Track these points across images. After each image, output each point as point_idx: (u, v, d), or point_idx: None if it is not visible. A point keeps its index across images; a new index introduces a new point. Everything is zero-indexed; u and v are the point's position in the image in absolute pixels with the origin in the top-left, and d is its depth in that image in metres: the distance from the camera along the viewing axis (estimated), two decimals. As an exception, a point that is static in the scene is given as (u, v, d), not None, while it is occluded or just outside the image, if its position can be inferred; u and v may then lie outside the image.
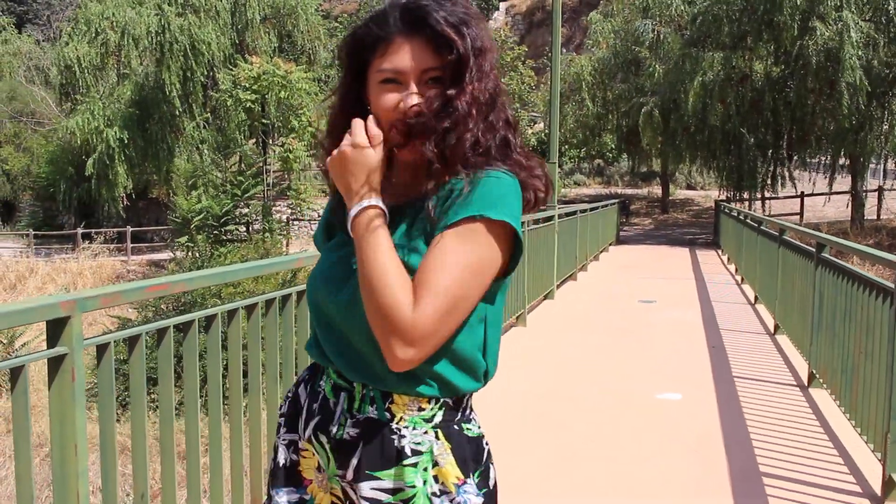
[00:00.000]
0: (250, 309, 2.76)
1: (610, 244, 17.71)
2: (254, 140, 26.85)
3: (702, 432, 4.39)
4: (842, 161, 21.41)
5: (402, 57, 1.25)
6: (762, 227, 8.92)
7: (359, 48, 1.30)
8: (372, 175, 1.25)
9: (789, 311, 6.58)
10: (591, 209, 13.68)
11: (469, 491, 1.28)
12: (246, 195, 22.16)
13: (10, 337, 11.25)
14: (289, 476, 1.41)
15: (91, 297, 1.94)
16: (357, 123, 1.27)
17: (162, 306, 10.43)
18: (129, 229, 27.35)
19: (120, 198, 28.37)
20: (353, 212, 1.24)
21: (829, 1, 18.02)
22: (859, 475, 3.70)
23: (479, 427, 1.36)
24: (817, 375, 5.17)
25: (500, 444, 4.09)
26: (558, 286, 9.79)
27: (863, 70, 17.86)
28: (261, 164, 24.18)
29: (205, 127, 28.47)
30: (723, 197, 22.86)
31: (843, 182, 22.60)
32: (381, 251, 1.20)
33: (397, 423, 1.28)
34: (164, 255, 24.58)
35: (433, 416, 1.29)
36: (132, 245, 27.33)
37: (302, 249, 21.70)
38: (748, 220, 10.75)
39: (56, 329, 1.85)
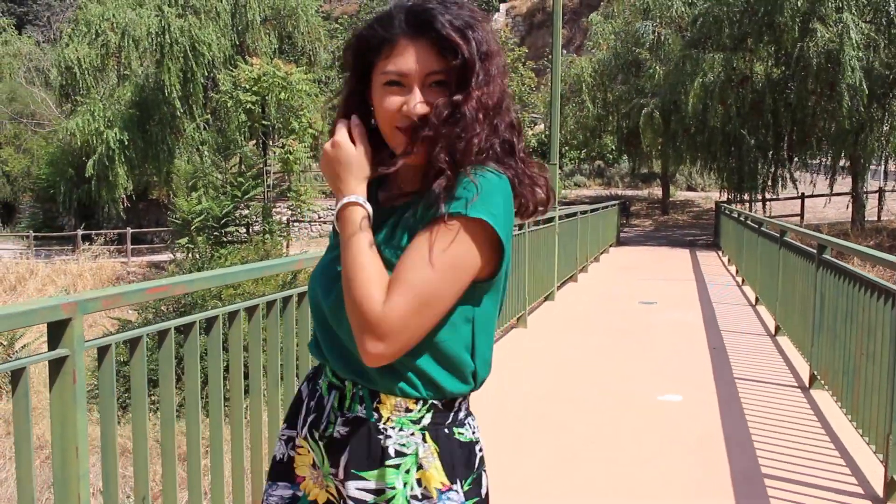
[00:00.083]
0: (251, 311, 2.76)
1: (610, 245, 17.70)
2: (254, 141, 26.89)
3: (703, 434, 4.39)
4: (842, 162, 21.40)
5: (407, 59, 1.24)
6: (763, 229, 8.92)
7: (364, 50, 1.30)
8: (355, 172, 1.28)
9: (790, 312, 6.57)
10: (592, 210, 13.67)
11: (453, 498, 1.27)
12: (246, 196, 22.16)
13: (11, 339, 11.24)
14: (284, 472, 1.42)
15: (92, 298, 1.94)
16: (339, 123, 1.31)
17: (162, 308, 10.43)
18: (130, 231, 27.36)
19: (120, 199, 28.38)
20: (336, 208, 1.28)
21: (830, 2, 18.02)
22: (861, 476, 3.69)
23: (475, 432, 1.34)
24: (818, 377, 5.16)
25: (501, 446, 4.09)
26: (559, 287, 9.79)
27: (863, 72, 17.86)
28: (261, 166, 24.20)
29: (205, 128, 28.50)
30: (723, 198, 22.85)
31: (844, 183, 22.59)
32: (357, 248, 1.22)
33: (384, 424, 1.28)
34: (165, 257, 24.59)
35: (421, 417, 1.28)
36: (132, 246, 27.35)
37: (302, 251, 21.71)
38: (749, 222, 10.75)
39: (57, 331, 1.85)
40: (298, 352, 2.99)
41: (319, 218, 28.29)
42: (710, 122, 20.16)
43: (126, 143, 27.46)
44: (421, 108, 1.23)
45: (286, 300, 2.95)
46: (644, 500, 3.54)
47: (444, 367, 1.27)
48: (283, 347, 2.91)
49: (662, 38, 22.77)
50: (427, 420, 1.29)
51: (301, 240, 26.73)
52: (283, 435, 1.44)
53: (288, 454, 1.42)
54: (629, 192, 33.68)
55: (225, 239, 21.19)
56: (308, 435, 1.36)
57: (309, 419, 1.37)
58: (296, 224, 26.97)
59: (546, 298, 9.16)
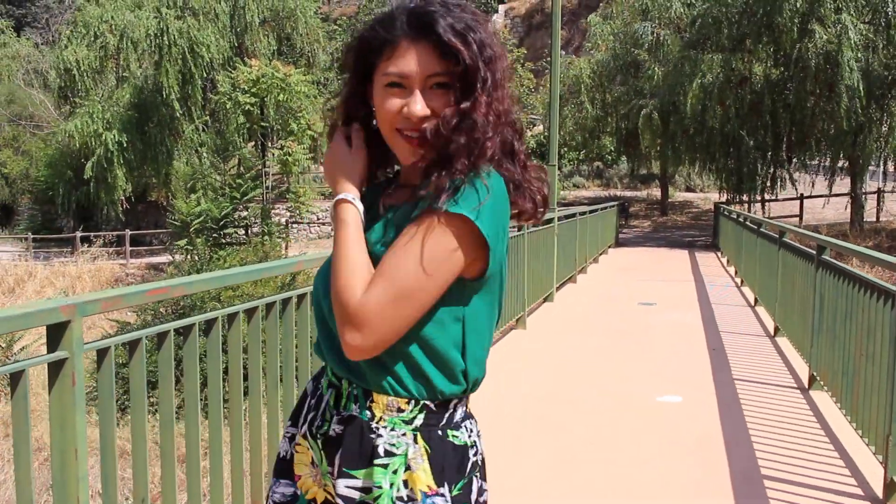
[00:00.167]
0: (250, 312, 2.75)
1: (609, 246, 17.71)
2: (253, 143, 26.87)
3: (702, 434, 4.39)
4: (841, 163, 21.41)
5: (408, 61, 1.25)
6: (762, 230, 8.93)
7: (365, 51, 1.31)
8: (348, 173, 1.33)
9: (789, 313, 6.57)
10: (591, 211, 13.68)
11: (438, 503, 1.26)
12: (245, 198, 22.15)
13: (9, 341, 11.24)
14: (287, 469, 1.43)
15: (91, 301, 1.93)
16: (339, 130, 1.38)
17: (161, 309, 10.42)
18: (128, 232, 27.36)
19: (119, 201, 28.37)
20: (330, 205, 1.33)
21: (829, 3, 18.03)
22: (860, 477, 3.69)
23: (471, 436, 1.34)
24: (818, 378, 5.16)
25: (499, 447, 4.09)
26: (558, 289, 9.79)
27: (861, 72, 17.87)
28: (260, 167, 24.17)
29: (204, 130, 28.47)
30: (722, 199, 22.86)
31: (843, 184, 22.61)
32: (343, 241, 1.26)
33: (377, 423, 1.28)
34: (163, 259, 24.58)
35: (413, 418, 1.28)
36: (131, 248, 27.34)
37: (301, 252, 21.71)
38: (748, 223, 10.76)
39: (56, 333, 1.85)
40: (297, 353, 2.99)
41: (318, 219, 28.30)
42: (708, 122, 20.17)
43: (125, 144, 27.45)
44: (421, 110, 1.24)
45: (285, 302, 2.95)
46: (643, 500, 3.54)
47: (434, 364, 1.27)
48: (283, 349, 2.91)
49: (661, 39, 22.77)
50: (419, 421, 1.28)
51: (300, 241, 26.74)
52: (287, 432, 1.45)
53: (290, 451, 1.43)
54: (628, 193, 33.70)
55: (224, 241, 21.17)
56: (307, 433, 1.37)
57: (308, 417, 1.38)
58: (294, 225, 26.97)
59: (545, 299, 9.16)
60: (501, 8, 49.55)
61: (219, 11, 28.49)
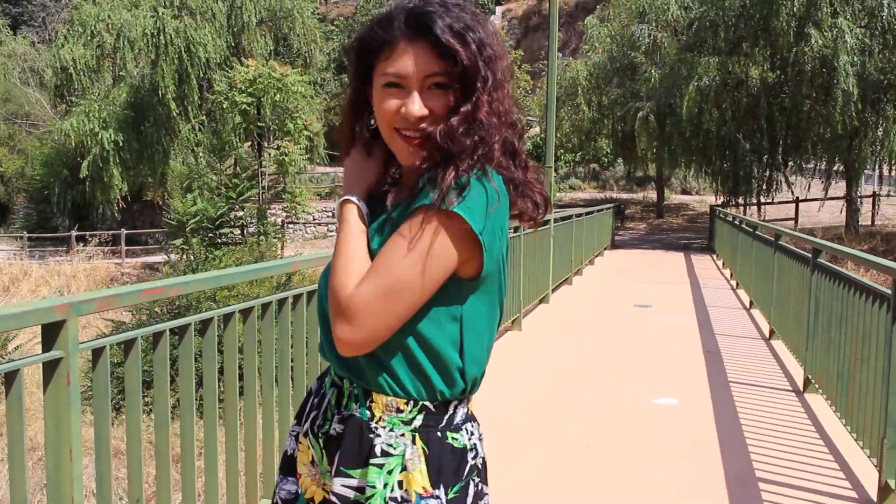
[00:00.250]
0: (246, 312, 2.75)
1: (605, 249, 17.72)
2: (249, 143, 26.82)
3: (697, 437, 4.39)
4: (837, 167, 21.47)
5: (406, 61, 1.24)
6: (757, 232, 8.94)
7: (364, 51, 1.31)
8: (356, 178, 1.37)
9: (785, 316, 6.58)
10: (587, 213, 13.69)
11: None
12: (241, 198, 22.14)
13: (4, 340, 11.20)
14: (292, 466, 1.43)
15: (87, 300, 1.93)
16: (357, 140, 1.42)
17: (156, 309, 10.39)
18: (124, 232, 27.32)
19: (114, 200, 28.31)
20: (336, 205, 1.36)
21: (825, 8, 18.09)
22: (855, 480, 3.70)
23: (472, 439, 1.33)
24: (813, 381, 5.17)
25: (495, 449, 4.08)
26: (553, 290, 9.79)
27: (857, 77, 17.94)
28: (256, 167, 24.16)
29: (200, 129, 28.45)
30: (718, 202, 22.90)
31: (838, 188, 22.67)
32: (342, 239, 1.29)
33: (376, 423, 1.28)
34: (159, 258, 24.55)
35: (412, 419, 1.28)
36: (126, 247, 27.31)
37: (297, 253, 21.69)
38: (743, 225, 10.78)
39: (51, 333, 1.84)
40: (293, 354, 2.99)
41: (314, 220, 28.28)
42: (705, 125, 20.21)
43: (121, 144, 27.40)
44: (419, 111, 1.24)
45: (281, 302, 2.94)
46: (638, 503, 3.54)
47: (431, 363, 1.27)
48: (278, 349, 2.91)
49: (658, 41, 22.82)
50: (418, 422, 1.28)
51: (296, 241, 26.69)
52: (292, 430, 1.45)
53: (296, 449, 1.43)
54: (624, 196, 33.72)
55: (219, 240, 21.17)
56: (309, 431, 1.38)
57: (311, 416, 1.39)
58: (290, 226, 26.94)
59: (541, 301, 9.16)
60: (499, 10, 49.57)
61: (216, 11, 28.48)
